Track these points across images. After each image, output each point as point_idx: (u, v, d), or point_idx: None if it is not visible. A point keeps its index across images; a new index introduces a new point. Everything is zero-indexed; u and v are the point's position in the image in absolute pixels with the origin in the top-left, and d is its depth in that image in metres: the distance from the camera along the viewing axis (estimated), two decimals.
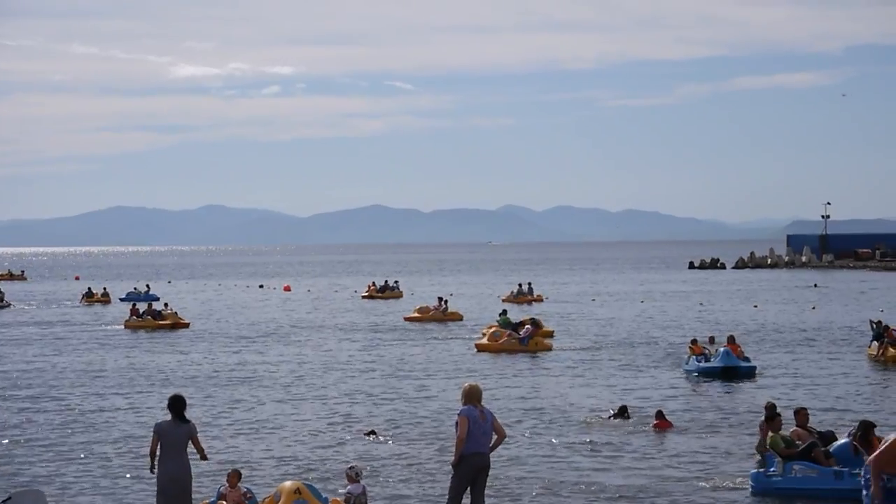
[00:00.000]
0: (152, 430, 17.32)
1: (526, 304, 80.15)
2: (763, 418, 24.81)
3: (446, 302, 67.68)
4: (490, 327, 51.79)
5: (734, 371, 38.00)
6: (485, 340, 48.61)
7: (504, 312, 56.51)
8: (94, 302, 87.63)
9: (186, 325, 61.78)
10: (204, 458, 17.50)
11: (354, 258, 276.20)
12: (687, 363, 39.92)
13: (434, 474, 23.15)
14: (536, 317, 55.87)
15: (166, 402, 17.61)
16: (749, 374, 38.21)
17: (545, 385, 37.09)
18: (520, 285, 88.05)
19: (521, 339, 47.46)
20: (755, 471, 21.78)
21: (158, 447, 16.96)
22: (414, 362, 44.13)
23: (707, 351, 39.63)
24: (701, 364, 38.73)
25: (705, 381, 37.23)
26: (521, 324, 50.71)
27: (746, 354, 40.17)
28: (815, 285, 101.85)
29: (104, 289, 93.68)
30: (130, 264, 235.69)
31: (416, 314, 65.85)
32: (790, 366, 41.82)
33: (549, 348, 47.67)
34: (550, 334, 53.78)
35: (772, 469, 21.31)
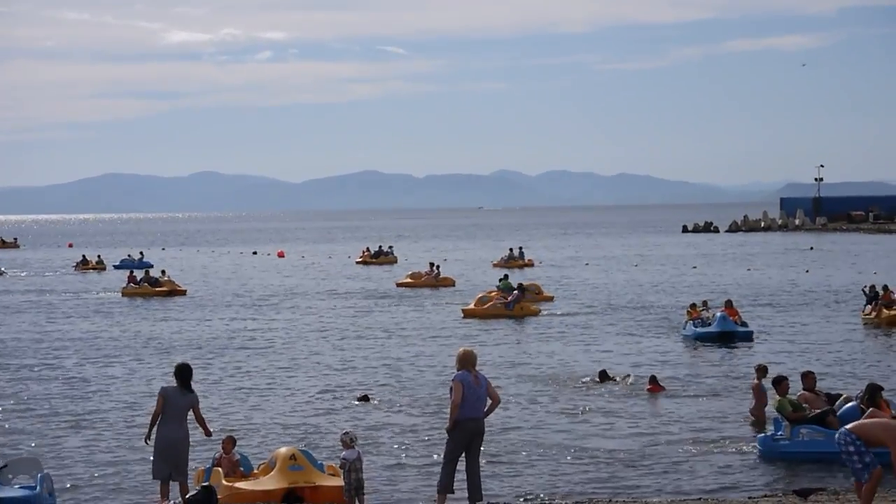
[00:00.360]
0: (158, 393, 17.31)
1: (517, 269, 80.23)
2: (754, 380, 24.85)
3: (438, 267, 67.71)
4: (490, 292, 51.75)
5: (731, 336, 37.86)
6: (472, 306, 48.67)
7: (505, 277, 56.34)
8: (89, 269, 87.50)
9: (183, 293, 61.72)
10: (207, 433, 17.43)
11: (348, 224, 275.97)
12: (685, 328, 39.88)
13: (428, 440, 23.20)
14: (533, 283, 56.00)
15: (173, 369, 17.58)
16: (746, 338, 38.10)
17: (538, 350, 37.14)
18: (510, 250, 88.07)
19: (507, 304, 47.54)
20: (762, 434, 21.70)
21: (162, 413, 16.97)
22: (407, 328, 44.17)
23: (705, 315, 39.50)
24: (698, 329, 38.53)
25: (702, 346, 37.23)
26: (524, 289, 51.40)
27: (743, 318, 40.08)
28: (812, 248, 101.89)
29: (98, 256, 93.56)
30: (124, 231, 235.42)
31: (409, 280, 65.93)
32: (786, 329, 41.86)
33: (536, 313, 47.65)
34: (550, 299, 53.84)
35: (779, 433, 21.23)
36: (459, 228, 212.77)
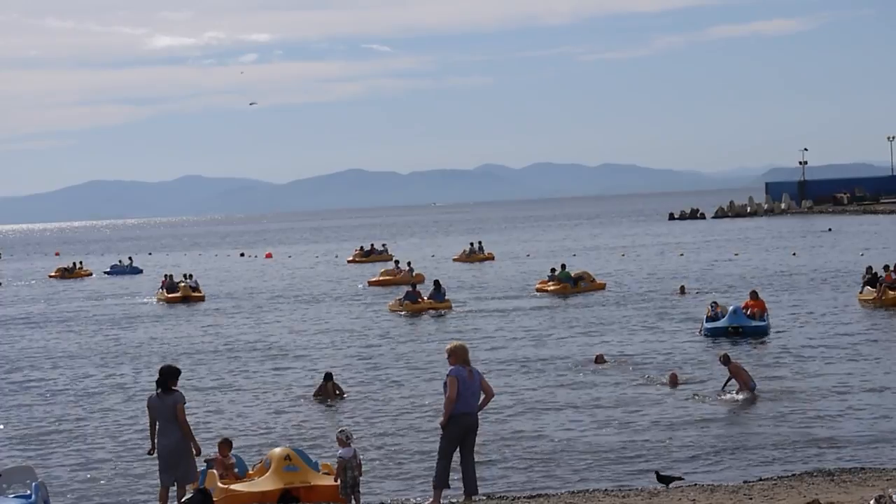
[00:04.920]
0: (146, 405, 17.17)
1: (478, 263, 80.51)
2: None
3: (409, 264, 67.65)
4: (543, 282, 54.90)
5: (740, 330, 35.81)
6: (393, 302, 49.94)
7: (563, 267, 56.06)
8: (79, 276, 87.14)
9: (202, 298, 60.08)
10: (190, 438, 17.02)
11: (334, 223, 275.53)
12: (702, 327, 37.15)
13: (422, 436, 23.11)
14: (585, 271, 56.27)
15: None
16: (758, 333, 35.89)
17: (533, 340, 37.07)
18: (471, 244, 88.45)
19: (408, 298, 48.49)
20: None
21: (156, 422, 16.82)
22: (392, 327, 44.07)
23: (720, 306, 37.49)
24: (707, 324, 36.56)
25: (707, 340, 35.51)
26: (579, 277, 53.82)
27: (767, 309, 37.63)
28: (830, 229, 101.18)
29: (80, 263, 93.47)
30: (111, 238, 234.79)
31: (384, 277, 65.97)
32: (794, 314, 41.05)
33: (425, 309, 47.49)
34: (602, 287, 54.32)
35: None
36: (455, 223, 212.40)
